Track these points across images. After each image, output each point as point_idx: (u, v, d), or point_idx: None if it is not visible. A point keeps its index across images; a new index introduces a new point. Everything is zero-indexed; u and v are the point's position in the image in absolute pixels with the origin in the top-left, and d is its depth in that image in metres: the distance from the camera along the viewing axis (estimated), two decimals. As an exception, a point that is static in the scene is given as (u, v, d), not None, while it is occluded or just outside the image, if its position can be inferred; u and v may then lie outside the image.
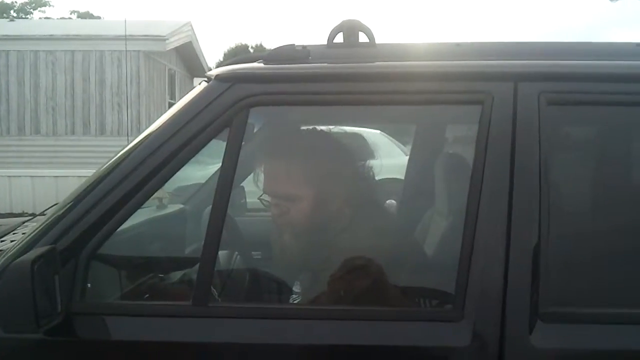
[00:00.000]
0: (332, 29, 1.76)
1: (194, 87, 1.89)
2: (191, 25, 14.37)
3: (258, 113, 1.70)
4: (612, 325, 1.52)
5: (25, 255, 1.44)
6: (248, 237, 2.42)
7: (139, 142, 1.69)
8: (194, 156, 1.61)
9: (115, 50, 11.80)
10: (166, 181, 1.61)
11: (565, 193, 1.64)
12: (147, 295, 1.83)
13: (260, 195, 1.92)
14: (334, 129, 1.98)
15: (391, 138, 7.72)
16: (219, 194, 1.57)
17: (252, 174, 2.02)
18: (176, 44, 13.27)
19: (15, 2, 38.20)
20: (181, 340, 1.54)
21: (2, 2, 37.36)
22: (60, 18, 31.98)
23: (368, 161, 1.96)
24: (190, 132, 1.59)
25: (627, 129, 1.72)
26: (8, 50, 12.08)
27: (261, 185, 1.91)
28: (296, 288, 1.88)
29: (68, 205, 1.65)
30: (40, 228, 1.65)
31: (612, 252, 1.61)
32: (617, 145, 1.71)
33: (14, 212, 9.80)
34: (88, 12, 40.13)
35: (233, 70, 1.70)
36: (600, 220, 1.68)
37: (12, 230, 2.45)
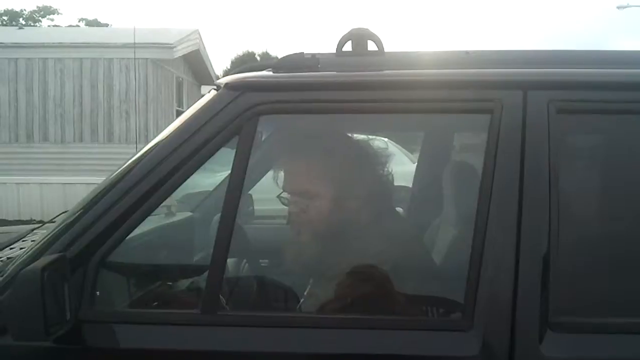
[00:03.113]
0: (341, 38, 1.76)
1: (201, 95, 1.89)
2: (199, 33, 14.42)
3: (267, 121, 1.70)
4: (623, 335, 1.51)
5: (34, 263, 1.44)
6: (256, 245, 2.42)
7: (148, 149, 1.70)
8: (203, 164, 1.61)
9: (123, 58, 11.85)
10: (176, 189, 1.62)
11: (575, 201, 1.63)
12: (155, 303, 1.83)
13: (280, 193, 1.92)
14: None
15: (398, 146, 7.71)
16: (228, 201, 1.57)
17: (272, 172, 2.02)
18: (184, 52, 13.32)
19: (24, 10, 38.56)
20: (190, 349, 1.54)
21: (11, 10, 37.66)
22: (69, 26, 32.23)
23: (388, 165, 1.96)
24: (200, 140, 1.59)
25: (636, 137, 1.71)
26: (17, 58, 12.16)
27: (281, 183, 1.92)
28: (307, 293, 1.87)
29: (77, 213, 1.65)
30: (49, 236, 1.65)
31: (623, 261, 1.60)
32: (626, 153, 1.70)
33: (22, 218, 9.84)
34: (96, 19, 40.38)
35: (242, 78, 1.71)
36: (610, 229, 1.67)
37: (21, 237, 2.45)
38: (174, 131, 1.67)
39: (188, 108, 1.82)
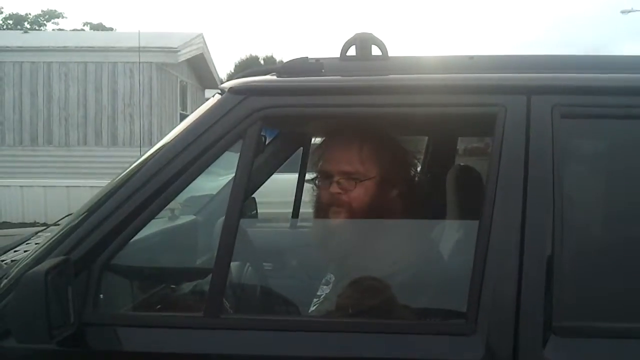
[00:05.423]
0: (345, 42, 1.76)
1: (205, 99, 1.90)
2: (203, 37, 14.47)
3: (271, 125, 1.70)
4: (627, 339, 1.51)
5: (38, 266, 1.44)
6: (259, 248, 2.42)
7: (153, 153, 1.71)
8: (207, 168, 1.62)
9: (127, 62, 11.90)
10: (180, 192, 1.62)
11: (578, 206, 1.63)
12: (159, 306, 1.84)
13: (314, 177, 1.93)
14: None
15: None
16: (232, 205, 1.57)
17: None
18: (188, 56, 13.36)
19: (29, 14, 38.72)
20: (193, 352, 1.54)
21: (16, 14, 37.80)
22: (73, 30, 32.33)
23: (417, 168, 2.00)
24: (204, 144, 1.60)
25: (640, 142, 1.71)
26: (22, 62, 12.22)
27: (317, 166, 1.92)
28: (320, 292, 1.87)
29: (81, 216, 1.66)
30: (53, 238, 1.66)
31: (627, 266, 1.59)
32: (630, 158, 1.70)
33: (26, 221, 9.87)
34: (101, 23, 40.50)
35: (246, 83, 1.71)
36: (614, 233, 1.67)
37: (25, 240, 2.46)
38: (178, 135, 1.67)
39: (192, 112, 1.83)
